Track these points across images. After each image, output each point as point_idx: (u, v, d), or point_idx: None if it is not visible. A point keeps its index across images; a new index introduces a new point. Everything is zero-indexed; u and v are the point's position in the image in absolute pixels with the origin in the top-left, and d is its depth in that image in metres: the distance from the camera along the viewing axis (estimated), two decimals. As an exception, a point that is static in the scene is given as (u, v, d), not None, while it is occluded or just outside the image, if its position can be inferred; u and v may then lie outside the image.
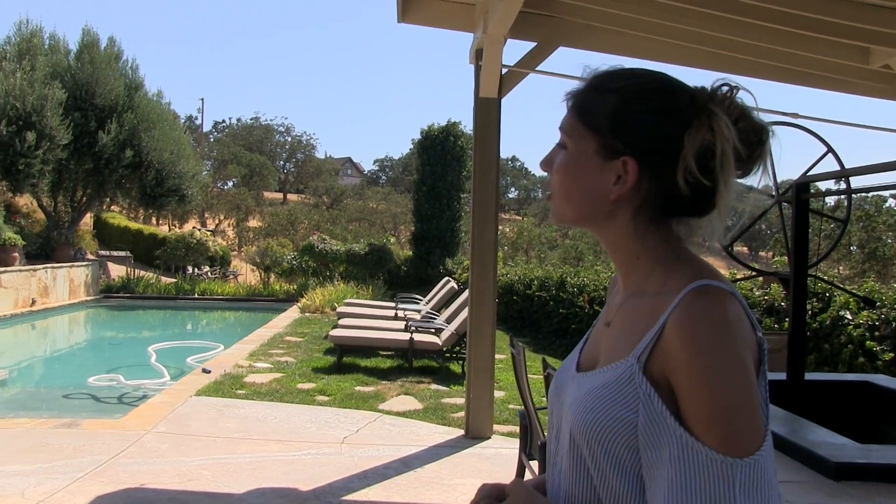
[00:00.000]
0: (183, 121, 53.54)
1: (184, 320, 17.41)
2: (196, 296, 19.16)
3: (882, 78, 5.88)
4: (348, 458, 5.56)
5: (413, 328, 10.08)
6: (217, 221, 37.65)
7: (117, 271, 21.39)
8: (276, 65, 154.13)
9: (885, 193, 22.50)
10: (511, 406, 7.43)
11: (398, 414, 7.06)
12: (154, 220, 32.63)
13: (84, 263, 19.13)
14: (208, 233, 23.40)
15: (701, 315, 0.97)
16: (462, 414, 6.77)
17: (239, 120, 72.90)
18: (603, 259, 22.22)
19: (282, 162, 69.43)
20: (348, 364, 9.49)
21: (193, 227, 26.25)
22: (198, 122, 63.06)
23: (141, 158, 20.02)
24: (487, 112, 6.05)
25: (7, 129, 16.89)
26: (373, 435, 6.26)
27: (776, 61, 5.83)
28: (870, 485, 2.40)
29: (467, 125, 24.16)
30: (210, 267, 22.47)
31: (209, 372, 8.63)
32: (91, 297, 18.71)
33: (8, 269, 15.59)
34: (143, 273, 20.90)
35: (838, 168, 3.83)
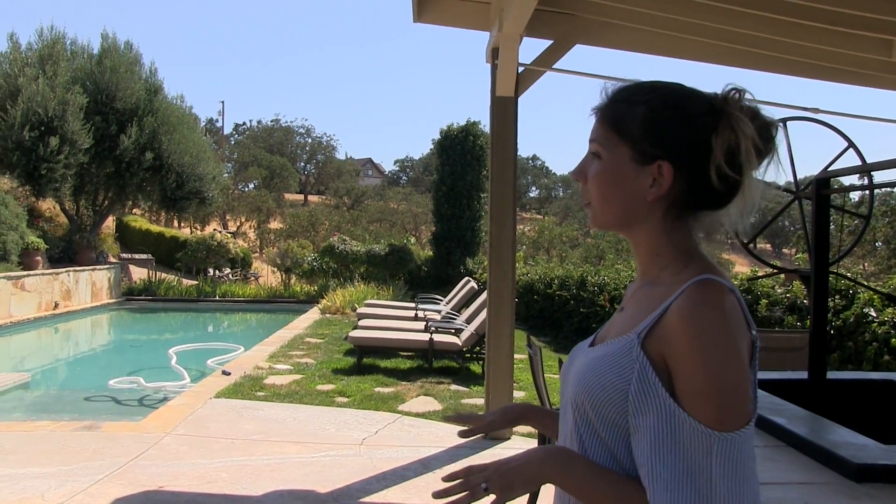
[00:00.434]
0: (203, 124, 53.92)
1: (205, 322, 17.50)
2: (217, 298, 19.25)
3: (905, 71, 5.79)
4: (367, 459, 5.55)
5: (433, 329, 10.05)
6: (238, 223, 37.84)
7: (139, 274, 21.55)
8: (296, 66, 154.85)
9: (911, 189, 22.21)
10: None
11: (417, 415, 7.04)
12: (175, 223, 32.83)
13: (106, 266, 19.29)
14: (229, 235, 23.50)
15: (702, 302, 1.09)
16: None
17: (259, 122, 73.30)
18: (624, 258, 22.10)
19: (302, 163, 69.69)
20: (368, 365, 9.49)
21: (214, 230, 26.37)
22: (218, 124, 63.41)
23: (161, 161, 20.15)
24: (504, 111, 6.01)
25: (30, 134, 17.06)
26: (392, 436, 6.25)
27: (796, 56, 5.75)
28: (893, 487, 2.34)
29: (486, 124, 24.07)
30: (231, 269, 22.57)
31: (229, 374, 8.66)
32: (113, 300, 18.86)
33: (31, 272, 15.75)
34: (164, 275, 21.03)
35: (860, 163, 3.76)
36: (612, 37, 5.87)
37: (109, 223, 25.69)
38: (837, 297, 6.98)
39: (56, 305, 16.28)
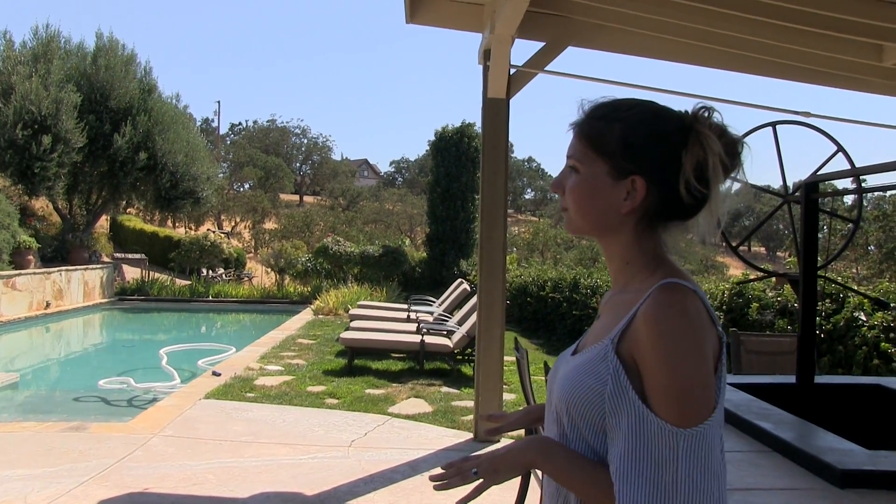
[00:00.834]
0: (199, 123, 53.89)
1: (197, 323, 17.45)
2: (210, 298, 19.20)
3: (896, 75, 5.79)
4: (355, 461, 5.52)
5: (424, 330, 10.03)
6: (234, 224, 37.76)
7: (132, 274, 21.48)
8: (292, 67, 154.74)
9: (904, 193, 22.27)
10: (521, 408, 7.36)
11: (407, 417, 7.01)
12: (170, 223, 32.76)
13: (99, 266, 19.22)
14: (222, 235, 23.45)
15: (664, 305, 1.16)
16: (472, 417, 6.72)
17: (255, 122, 73.18)
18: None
19: (298, 164, 69.59)
20: (359, 366, 9.46)
21: (208, 230, 26.33)
22: (214, 124, 63.32)
23: (155, 161, 20.08)
24: (496, 112, 5.99)
25: (23, 132, 16.99)
26: (381, 438, 6.22)
27: (788, 59, 5.74)
28: (878, 493, 2.33)
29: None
30: (224, 269, 22.52)
31: (219, 375, 8.62)
32: (106, 300, 18.79)
33: (23, 271, 15.69)
34: (157, 275, 20.96)
35: (849, 167, 3.75)
36: (604, 39, 5.86)
37: (103, 222, 25.62)
38: (828, 300, 6.98)
39: (48, 305, 16.22)
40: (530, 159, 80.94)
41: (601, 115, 1.30)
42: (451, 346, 9.29)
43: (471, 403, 7.43)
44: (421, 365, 9.40)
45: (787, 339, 5.00)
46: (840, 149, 3.82)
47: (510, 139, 6.25)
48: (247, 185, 49.92)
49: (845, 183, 5.38)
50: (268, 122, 71.50)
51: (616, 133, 1.27)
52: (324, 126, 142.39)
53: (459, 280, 14.68)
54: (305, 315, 15.77)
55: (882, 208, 23.29)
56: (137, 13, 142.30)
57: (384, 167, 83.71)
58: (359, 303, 14.97)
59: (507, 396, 7.49)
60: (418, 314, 12.44)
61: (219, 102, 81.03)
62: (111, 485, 4.89)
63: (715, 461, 1.12)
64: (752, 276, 7.81)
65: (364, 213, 43.00)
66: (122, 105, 19.80)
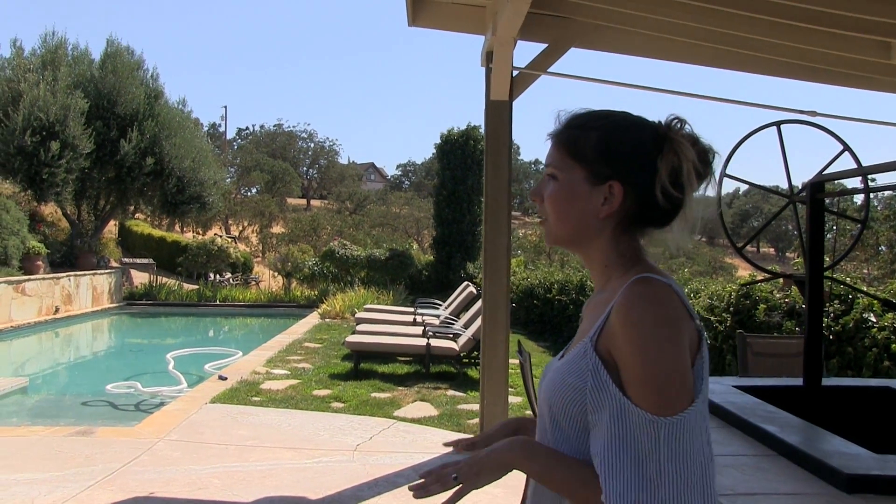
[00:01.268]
0: (206, 128, 54.05)
1: (205, 327, 17.48)
2: (218, 302, 19.24)
3: (904, 74, 5.74)
4: (360, 465, 5.50)
5: (430, 334, 10.01)
6: (241, 228, 37.84)
7: (140, 278, 21.53)
8: (298, 72, 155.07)
9: (914, 193, 22.13)
10: (527, 412, 7.33)
11: (413, 420, 6.99)
12: (178, 227, 32.84)
13: (107, 271, 19.27)
14: (230, 239, 23.49)
15: (636, 297, 1.20)
16: (478, 420, 6.70)
17: (262, 127, 73.38)
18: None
19: (305, 168, 69.72)
20: (365, 370, 9.45)
21: (215, 234, 26.39)
22: (221, 129, 63.51)
23: (162, 166, 20.14)
24: (498, 115, 5.97)
25: (31, 139, 17.06)
26: (386, 442, 6.20)
27: (793, 58, 5.70)
28: (885, 498, 2.29)
29: (487, 129, 24.06)
30: (232, 273, 22.56)
31: (225, 379, 8.62)
32: (114, 305, 18.85)
33: (32, 277, 15.75)
34: (165, 280, 21.02)
35: (855, 166, 3.71)
36: (606, 40, 5.83)
37: (111, 228, 25.71)
38: (837, 302, 6.92)
39: (57, 310, 16.27)
40: (537, 161, 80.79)
41: (578, 125, 1.36)
42: (457, 349, 9.27)
43: (477, 407, 7.40)
44: (427, 368, 9.38)
45: (794, 341, 4.95)
46: (846, 148, 3.79)
47: (516, 141, 6.27)
48: (254, 190, 50.04)
49: (854, 182, 5.33)
50: (274, 126, 71.66)
51: (593, 140, 1.32)
52: (330, 130, 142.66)
53: (466, 283, 14.66)
54: (312, 319, 15.77)
55: (893, 208, 23.13)
56: (144, 20, 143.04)
57: (391, 171, 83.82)
58: (365, 306, 14.97)
59: (512, 399, 7.47)
60: (424, 317, 12.42)
61: (225, 107, 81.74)
62: (117, 489, 4.89)
63: (697, 450, 1.15)
64: (758, 278, 7.76)
65: (371, 217, 43.03)
66: (129, 111, 19.86)
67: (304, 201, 59.20)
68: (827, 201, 3.52)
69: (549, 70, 5.88)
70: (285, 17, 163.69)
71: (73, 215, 21.31)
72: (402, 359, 10.12)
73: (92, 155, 18.66)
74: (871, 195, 4.14)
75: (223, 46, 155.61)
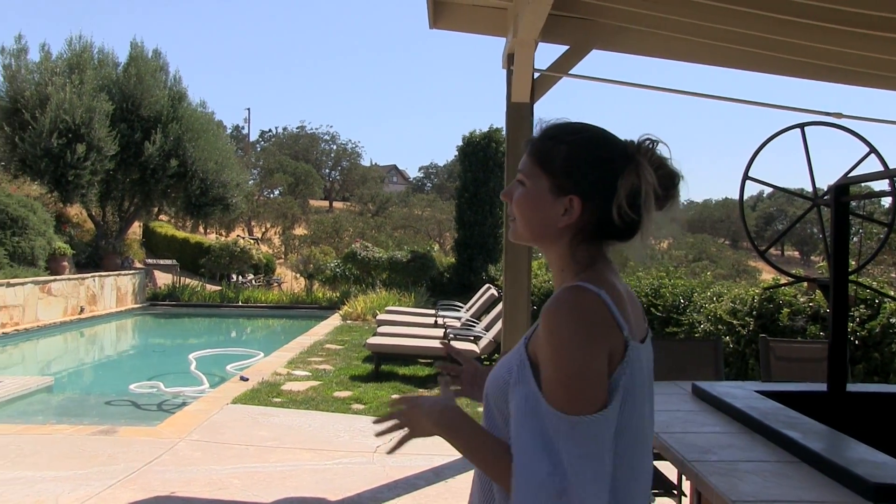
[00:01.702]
0: (230, 131, 54.40)
1: (227, 328, 17.58)
2: (240, 303, 19.34)
3: (932, 75, 5.66)
4: (379, 467, 5.51)
5: (451, 336, 10.00)
6: (264, 229, 38.03)
7: (164, 279, 21.71)
8: (321, 74, 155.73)
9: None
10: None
11: (433, 423, 6.97)
12: (201, 229, 33.06)
13: (131, 272, 19.45)
14: (252, 241, 23.62)
15: (560, 303, 1.28)
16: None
17: (285, 129, 73.78)
18: (648, 265, 21.89)
19: (327, 170, 69.97)
20: (386, 372, 9.46)
21: (238, 236, 26.55)
22: (244, 131, 63.95)
23: (186, 168, 20.30)
24: (519, 117, 5.95)
25: (58, 141, 17.27)
26: (406, 444, 6.19)
27: (817, 59, 5.64)
28: (911, 506, 2.25)
29: (509, 131, 24.02)
30: (254, 275, 22.68)
31: (247, 380, 8.66)
32: (138, 305, 19.01)
33: (58, 277, 15.92)
34: (188, 281, 21.18)
35: (882, 168, 3.66)
36: (628, 42, 5.80)
37: (136, 229, 25.93)
38: (862, 306, 6.83)
39: (82, 310, 16.44)
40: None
41: (551, 136, 1.43)
42: (478, 351, 9.25)
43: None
44: (448, 371, 9.34)
45: (818, 346, 4.89)
46: (872, 150, 3.74)
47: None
48: (276, 192, 50.29)
49: (882, 185, 5.26)
50: (297, 128, 72.02)
51: (561, 153, 1.39)
52: (353, 132, 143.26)
53: (487, 285, 14.64)
54: (334, 320, 15.82)
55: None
56: (167, 23, 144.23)
57: (413, 173, 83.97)
58: (386, 308, 14.99)
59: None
60: (446, 319, 12.41)
61: (249, 110, 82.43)
62: (138, 488, 4.92)
63: (595, 454, 1.22)
64: (782, 281, 7.67)
65: (393, 219, 43.10)
66: (153, 113, 20.05)
67: (326, 203, 59.42)
68: (853, 204, 3.47)
69: (570, 72, 5.86)
70: (308, 20, 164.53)
71: (98, 216, 21.53)
72: (423, 361, 10.11)
73: (116, 157, 18.87)
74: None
75: (246, 50, 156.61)
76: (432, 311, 13.88)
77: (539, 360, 1.29)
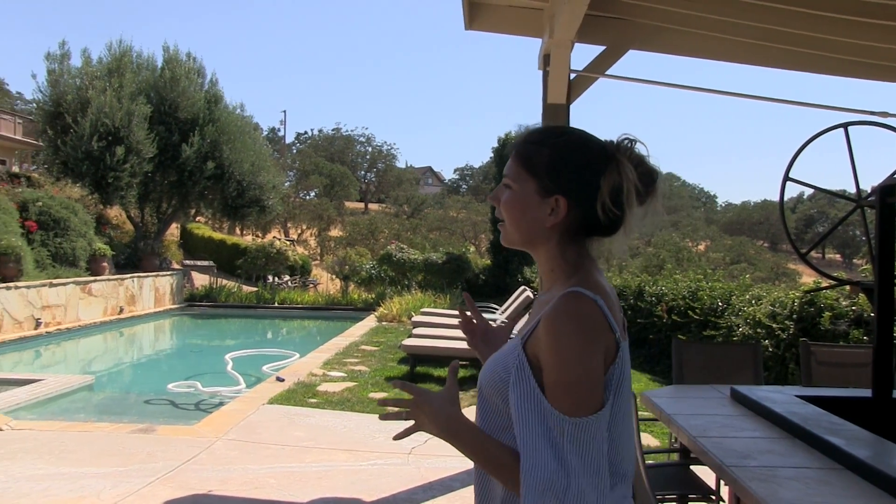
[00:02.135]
0: (266, 133, 54.87)
1: (263, 329, 17.73)
2: (276, 305, 19.50)
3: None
4: (415, 468, 5.51)
5: (486, 338, 9.96)
6: (300, 231, 38.33)
7: (201, 280, 21.96)
8: (356, 76, 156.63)
9: None
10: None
11: (468, 425, 6.96)
12: (238, 230, 33.41)
13: (169, 273, 19.71)
14: (288, 242, 23.80)
15: (562, 311, 1.34)
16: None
17: (320, 131, 74.40)
18: (684, 268, 21.69)
19: (363, 172, 70.37)
20: (421, 374, 9.47)
21: (274, 237, 26.78)
22: (280, 133, 64.51)
23: (222, 170, 20.53)
24: (555, 118, 5.90)
25: (98, 144, 17.58)
26: (441, 446, 6.17)
27: (863, 57, 5.52)
28: (959, 515, 2.19)
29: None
30: (290, 276, 22.84)
31: (283, 380, 8.72)
32: (175, 306, 19.26)
33: (98, 278, 16.19)
34: (225, 282, 21.40)
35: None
36: (666, 41, 5.73)
37: (174, 230, 26.28)
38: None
39: (121, 310, 16.70)
40: (595, 165, 79.98)
41: (535, 140, 1.49)
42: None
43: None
44: (482, 372, 9.33)
45: (861, 351, 4.79)
46: (917, 151, 3.65)
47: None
48: (312, 193, 50.68)
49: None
50: (333, 130, 72.57)
51: (545, 156, 1.45)
52: (388, 134, 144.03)
53: (523, 287, 14.58)
54: (369, 322, 15.87)
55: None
56: (204, 27, 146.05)
57: (448, 174, 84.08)
58: (422, 310, 15.01)
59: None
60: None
61: (284, 112, 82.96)
62: (176, 486, 4.98)
63: (595, 450, 1.31)
64: (823, 284, 7.53)
65: (428, 221, 43.18)
66: (190, 116, 20.32)
67: (361, 205, 59.73)
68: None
69: (606, 73, 5.81)
70: (343, 23, 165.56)
71: (136, 218, 21.86)
72: (459, 363, 10.09)
73: (155, 159, 19.15)
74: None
75: (283, 53, 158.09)
76: (467, 313, 13.81)
77: (542, 363, 1.36)
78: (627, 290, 12.95)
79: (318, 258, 31.86)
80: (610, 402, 1.35)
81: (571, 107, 5.91)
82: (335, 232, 37.13)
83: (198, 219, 29.55)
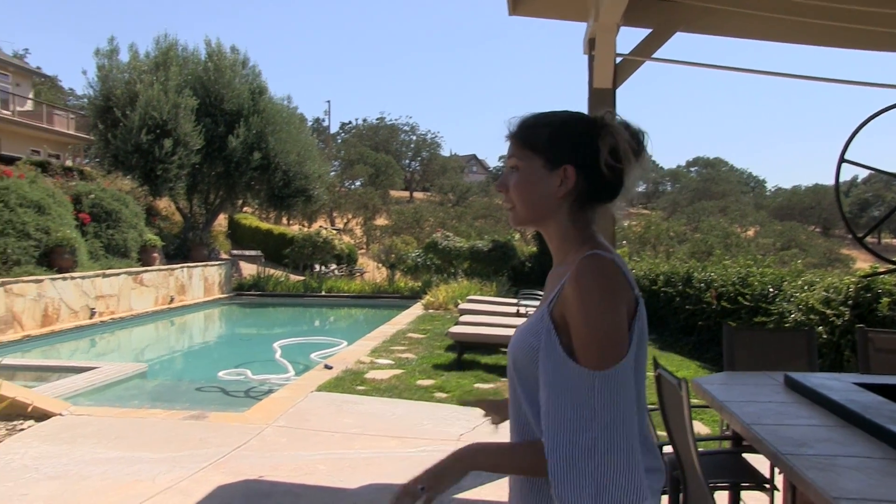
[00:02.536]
0: (310, 123, 55.26)
1: (311, 317, 17.91)
2: (323, 293, 19.68)
3: None
4: (463, 456, 5.50)
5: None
6: (345, 220, 38.56)
7: (249, 270, 22.24)
8: (400, 65, 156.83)
9: None
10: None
11: (515, 412, 6.94)
12: (284, 220, 33.73)
13: (217, 263, 20.00)
14: (334, 231, 23.97)
15: (584, 269, 1.45)
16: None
17: (365, 120, 74.63)
18: (733, 253, 21.33)
19: (407, 161, 70.51)
20: (468, 361, 9.47)
21: (320, 227, 26.99)
22: (325, 123, 64.91)
23: (268, 161, 20.71)
24: (602, 104, 5.81)
25: (147, 137, 17.87)
26: (489, 432, 6.17)
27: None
28: None
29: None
30: (337, 265, 23.00)
31: (331, 368, 8.79)
32: (224, 295, 19.55)
33: (149, 268, 16.50)
34: (272, 271, 21.64)
35: None
36: (714, 23, 5.61)
37: (221, 221, 26.63)
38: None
39: (171, 300, 17.00)
40: (641, 151, 79.11)
41: (531, 124, 1.62)
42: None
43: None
44: (529, 360, 9.30)
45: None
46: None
47: (619, 130, 6.05)
48: (357, 183, 50.92)
49: None
50: (377, 120, 72.79)
51: (545, 134, 1.57)
52: (432, 123, 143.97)
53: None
54: (416, 310, 15.93)
55: None
56: (248, 20, 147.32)
57: (493, 162, 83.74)
58: (468, 297, 15.01)
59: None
60: (527, 309, 12.35)
61: (329, 102, 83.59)
62: (227, 471, 5.05)
63: (624, 398, 1.41)
64: (881, 269, 7.34)
65: (473, 208, 43.15)
66: (235, 107, 20.52)
67: (406, 193, 59.88)
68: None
69: (653, 56, 5.71)
70: (386, 13, 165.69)
71: (185, 209, 22.20)
72: (505, 350, 10.07)
73: (202, 151, 19.41)
74: None
75: (326, 45, 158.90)
76: (514, 301, 13.82)
77: (569, 323, 1.45)
78: (675, 276, 12.79)
79: (364, 247, 32.04)
80: (632, 352, 1.45)
81: (618, 91, 5.83)
82: (381, 221, 37.28)
83: (245, 209, 29.90)
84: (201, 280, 18.66)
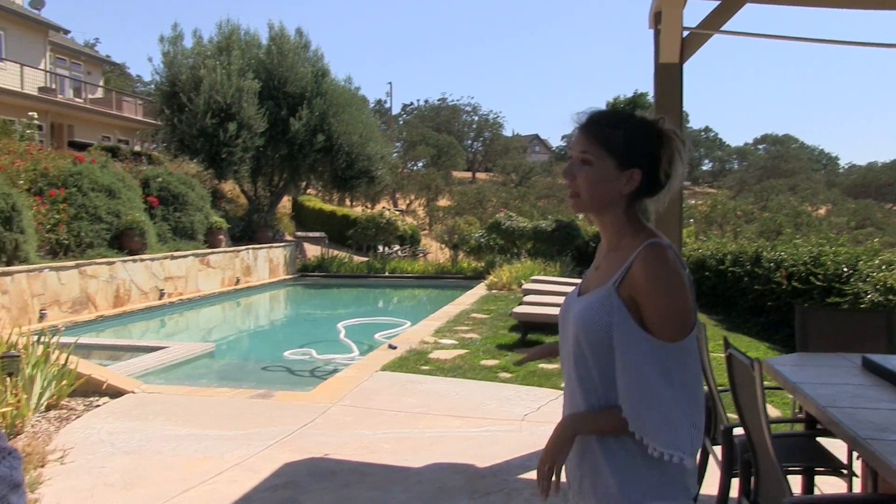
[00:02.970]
0: (372, 105, 55.53)
1: (374, 297, 18.03)
2: (386, 274, 19.81)
3: None
4: (528, 435, 5.47)
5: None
6: (408, 201, 38.69)
7: (313, 251, 22.51)
8: (461, 45, 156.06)
9: None
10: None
11: (580, 392, 6.87)
12: (347, 202, 34.00)
13: (282, 244, 20.29)
14: (397, 212, 24.07)
15: (653, 256, 1.68)
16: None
17: (426, 101, 74.64)
18: (804, 232, 20.77)
19: (469, 141, 70.36)
20: (532, 341, 9.42)
21: (383, 208, 27.11)
22: (387, 105, 65.11)
23: (331, 143, 20.83)
24: (668, 79, 5.66)
25: (211, 121, 18.16)
26: (554, 413, 6.12)
27: None
28: None
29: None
30: (400, 246, 23.11)
31: (395, 348, 8.84)
32: (289, 276, 19.84)
33: (215, 250, 16.84)
34: (336, 252, 21.84)
35: None
36: (788, -10, 5.41)
37: (285, 203, 26.96)
38: None
39: (237, 281, 17.32)
40: (707, 129, 77.78)
41: (607, 123, 1.79)
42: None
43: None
44: (593, 340, 9.20)
45: None
46: None
47: (685, 107, 5.91)
48: (420, 164, 51.00)
49: None
50: (438, 100, 72.80)
51: (620, 137, 1.76)
52: (494, 103, 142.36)
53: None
54: (479, 290, 15.90)
55: None
56: (309, 1, 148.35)
57: (555, 142, 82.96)
58: (532, 277, 14.92)
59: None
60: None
61: (390, 84, 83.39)
62: (294, 449, 5.12)
63: (691, 364, 1.67)
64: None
65: (536, 189, 42.86)
66: (298, 90, 20.65)
67: (469, 174, 59.78)
68: None
69: (721, 29, 5.52)
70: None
71: (249, 192, 22.53)
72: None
73: (265, 134, 19.63)
74: None
75: (387, 26, 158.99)
76: (578, 281, 13.60)
77: (641, 303, 1.67)
78: (744, 255, 12.49)
79: (427, 228, 32.10)
80: (697, 325, 1.71)
81: (685, 66, 5.66)
82: (443, 202, 37.28)
83: (308, 191, 30.21)
84: (266, 261, 18.95)
